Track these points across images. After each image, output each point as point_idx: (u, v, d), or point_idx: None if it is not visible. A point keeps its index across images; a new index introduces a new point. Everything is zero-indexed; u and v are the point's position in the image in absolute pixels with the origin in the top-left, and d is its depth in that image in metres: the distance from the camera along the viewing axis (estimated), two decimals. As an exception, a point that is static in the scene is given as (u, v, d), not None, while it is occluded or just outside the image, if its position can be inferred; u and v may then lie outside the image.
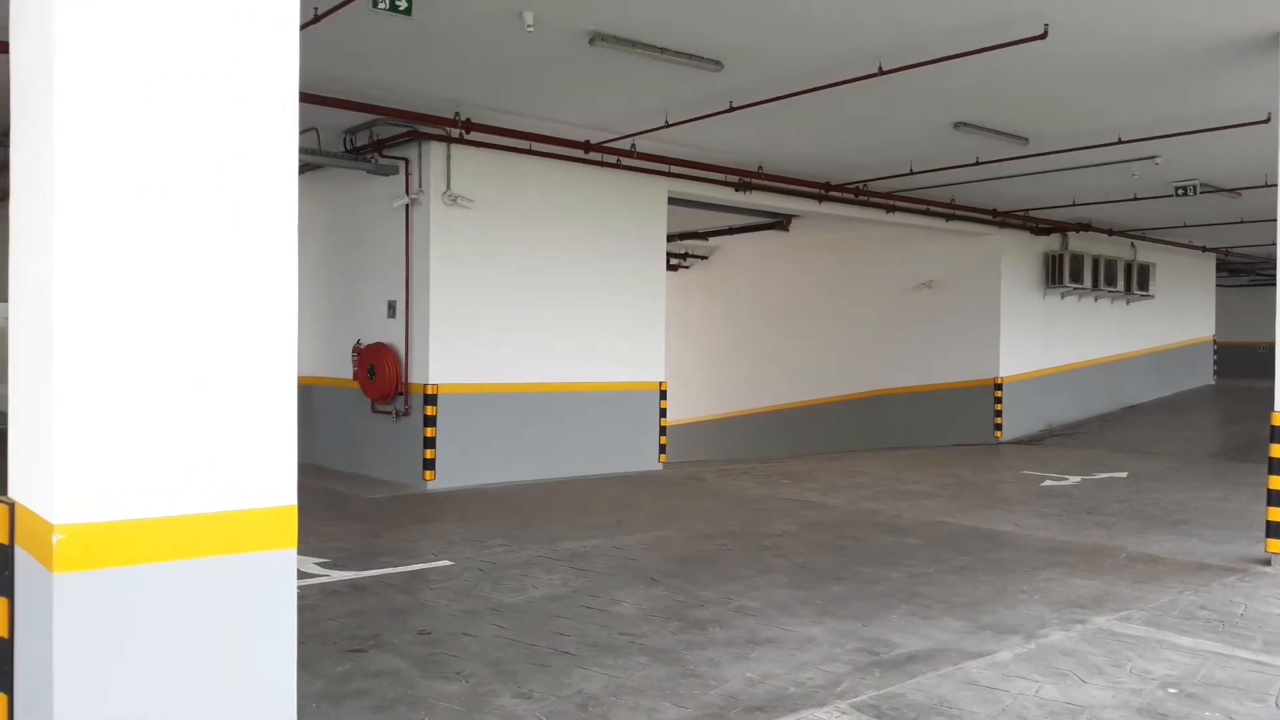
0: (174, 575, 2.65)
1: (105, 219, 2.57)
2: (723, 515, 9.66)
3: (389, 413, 11.64)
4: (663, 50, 8.36)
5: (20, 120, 2.87)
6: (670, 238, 17.01)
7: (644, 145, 12.04)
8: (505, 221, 11.68)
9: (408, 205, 11.34)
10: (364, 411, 12.05)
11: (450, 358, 11.26)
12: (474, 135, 11.17)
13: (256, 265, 2.79)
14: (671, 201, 13.56)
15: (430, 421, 11.12)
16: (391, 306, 11.67)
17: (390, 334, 11.68)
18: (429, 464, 11.11)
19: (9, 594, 2.86)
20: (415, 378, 11.29)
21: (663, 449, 13.18)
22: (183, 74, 2.67)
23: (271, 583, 2.79)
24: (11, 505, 2.87)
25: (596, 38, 8.07)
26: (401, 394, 11.44)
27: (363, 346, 11.98)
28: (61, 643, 2.53)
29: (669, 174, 12.99)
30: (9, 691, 2.88)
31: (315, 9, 7.31)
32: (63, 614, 2.53)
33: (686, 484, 11.86)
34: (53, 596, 2.53)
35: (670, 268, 21.26)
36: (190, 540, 2.68)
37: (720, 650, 5.32)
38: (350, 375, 12.11)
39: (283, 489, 2.81)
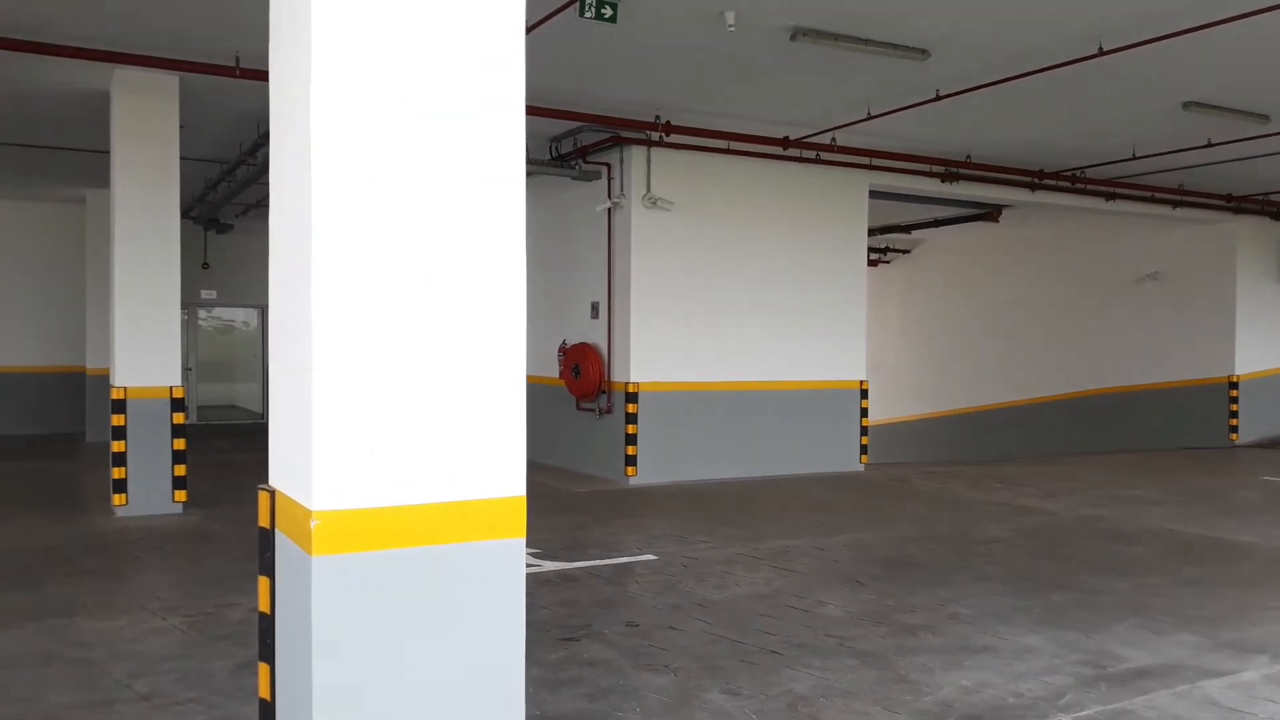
0: (419, 560, 2.84)
1: (358, 226, 2.78)
2: (930, 519, 9.38)
3: (593, 410, 11.96)
4: (867, 42, 8.21)
5: (279, 137, 3.14)
6: (871, 231, 16.61)
7: (844, 139, 11.85)
8: (704, 221, 11.78)
9: (610, 209, 11.63)
10: (569, 409, 12.43)
11: (651, 357, 11.47)
12: (674, 138, 11.32)
13: (492, 266, 2.95)
14: (873, 195, 13.27)
15: (632, 419, 11.35)
16: (595, 307, 11.99)
17: (594, 334, 12.01)
18: (631, 460, 11.36)
19: (271, 574, 3.14)
20: (617, 376, 11.56)
21: (864, 449, 12.93)
22: (425, 89, 2.85)
23: (504, 569, 2.94)
24: (273, 493, 3.14)
25: (798, 33, 8.01)
26: (605, 392, 11.73)
27: (568, 346, 12.36)
28: (318, 619, 2.76)
29: (870, 166, 12.73)
30: (271, 662, 3.17)
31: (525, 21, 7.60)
32: (319, 593, 2.75)
33: (890, 486, 11.59)
34: (310, 577, 2.76)
35: (870, 262, 20.76)
36: (434, 527, 2.86)
37: (932, 656, 5.18)
38: (557, 374, 12.52)
39: (514, 480, 2.96)
